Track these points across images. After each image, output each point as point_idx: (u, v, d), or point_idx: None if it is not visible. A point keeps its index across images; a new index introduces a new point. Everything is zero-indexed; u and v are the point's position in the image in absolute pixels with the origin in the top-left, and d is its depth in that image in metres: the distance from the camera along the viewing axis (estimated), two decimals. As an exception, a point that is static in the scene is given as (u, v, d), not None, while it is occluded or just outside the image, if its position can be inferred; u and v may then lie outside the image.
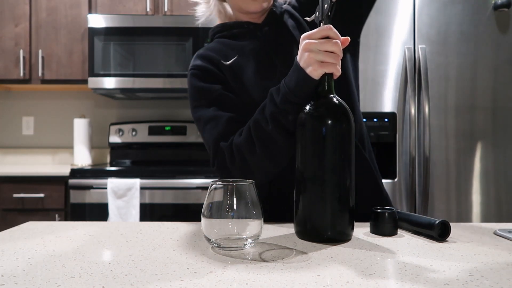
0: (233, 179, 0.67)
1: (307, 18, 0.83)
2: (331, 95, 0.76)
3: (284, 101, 0.80)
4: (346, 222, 0.72)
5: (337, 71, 0.76)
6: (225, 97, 0.96)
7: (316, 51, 0.75)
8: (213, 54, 1.00)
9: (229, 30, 1.03)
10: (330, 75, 0.76)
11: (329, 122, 0.72)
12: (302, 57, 0.77)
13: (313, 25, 0.81)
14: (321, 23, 0.76)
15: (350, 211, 0.73)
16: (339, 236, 0.72)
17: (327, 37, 0.75)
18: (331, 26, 0.75)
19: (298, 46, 0.94)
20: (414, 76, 2.09)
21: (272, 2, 1.01)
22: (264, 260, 0.61)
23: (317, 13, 0.77)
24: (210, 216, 0.65)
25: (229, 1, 1.00)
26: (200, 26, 2.47)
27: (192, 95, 0.99)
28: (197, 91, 0.98)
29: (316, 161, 0.72)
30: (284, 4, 1.04)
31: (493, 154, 2.11)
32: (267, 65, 0.97)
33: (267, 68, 0.97)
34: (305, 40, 0.77)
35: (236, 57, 0.98)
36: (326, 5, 0.75)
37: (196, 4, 1.09)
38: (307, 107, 0.74)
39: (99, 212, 2.25)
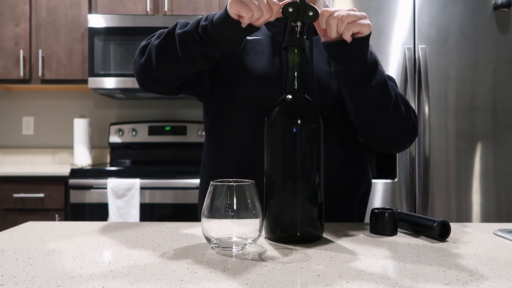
0: (234, 179, 0.67)
1: None
2: (301, 95, 0.75)
3: (203, 27, 0.82)
4: (316, 223, 0.72)
5: (249, 16, 0.75)
6: None
7: None
8: None
9: None
10: (300, 72, 0.75)
11: (299, 121, 0.72)
12: None
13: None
14: (294, 23, 0.75)
15: (319, 211, 0.72)
16: (310, 236, 0.72)
17: None
18: None
19: (312, 72, 0.96)
20: (414, 76, 2.09)
21: None
22: (264, 260, 0.61)
23: (290, 9, 0.75)
24: (210, 216, 0.65)
25: None
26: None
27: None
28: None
29: (286, 160, 0.72)
30: None
31: (493, 154, 2.11)
32: (275, 70, 0.98)
33: (274, 72, 0.97)
34: None
35: (260, 37, 1.00)
36: (311, 12, 0.75)
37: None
38: (277, 107, 0.74)
39: (99, 212, 2.25)
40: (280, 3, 0.76)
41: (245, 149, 0.96)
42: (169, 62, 0.89)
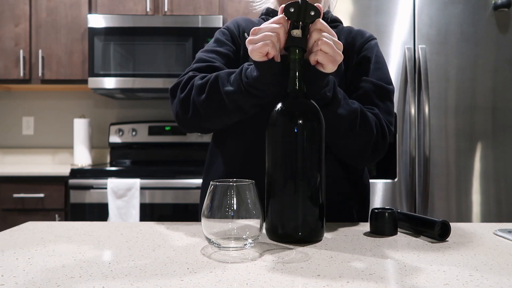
0: (233, 179, 0.67)
1: None
2: (302, 95, 0.75)
3: (248, 84, 0.81)
4: (317, 223, 0.72)
5: (271, 45, 0.75)
6: (228, 57, 1.01)
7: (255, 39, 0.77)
8: (245, 24, 1.06)
9: (271, 16, 1.06)
10: (301, 72, 0.75)
11: (300, 121, 0.72)
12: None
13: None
14: (295, 23, 0.75)
15: (320, 211, 0.72)
16: (310, 236, 0.72)
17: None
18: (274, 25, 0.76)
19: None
20: (414, 76, 2.09)
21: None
22: (264, 260, 0.61)
23: (292, 9, 0.75)
24: (210, 216, 0.65)
25: None
26: (200, 26, 2.48)
27: (211, 42, 1.06)
28: (214, 41, 1.05)
29: (287, 160, 0.72)
30: (338, 22, 1.08)
31: (493, 154, 2.11)
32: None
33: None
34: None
35: None
36: (313, 12, 0.75)
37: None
38: (278, 106, 0.74)
39: (99, 212, 2.25)
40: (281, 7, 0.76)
41: (247, 149, 0.96)
42: (220, 116, 0.90)
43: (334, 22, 1.07)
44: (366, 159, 0.96)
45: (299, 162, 0.71)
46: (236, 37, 1.04)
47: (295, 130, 0.72)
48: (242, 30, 1.04)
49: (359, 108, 0.90)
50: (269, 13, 1.09)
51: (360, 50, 1.03)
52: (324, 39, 0.75)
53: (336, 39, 0.77)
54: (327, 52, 0.75)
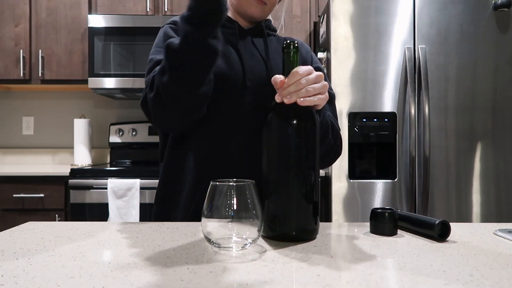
0: (233, 179, 0.67)
1: None
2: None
3: (189, 17, 0.77)
4: (311, 221, 0.73)
5: None
6: None
7: None
8: None
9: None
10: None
11: (295, 121, 0.73)
12: None
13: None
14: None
15: (314, 209, 0.73)
16: (305, 234, 0.73)
17: None
18: None
19: (267, 67, 1.01)
20: (414, 76, 2.09)
21: (266, 19, 1.08)
22: (264, 260, 0.61)
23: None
24: (210, 216, 0.65)
25: None
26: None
27: (159, 41, 0.98)
28: (167, 39, 0.94)
29: (282, 160, 0.72)
30: (275, 32, 1.11)
31: (493, 154, 2.11)
32: (235, 69, 0.99)
33: (234, 71, 0.98)
34: None
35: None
36: None
37: None
38: (274, 108, 0.75)
39: (99, 212, 2.25)
40: None
41: (244, 149, 0.96)
42: (193, 79, 0.82)
43: (273, 31, 1.11)
44: (328, 161, 1.06)
45: (294, 161, 0.72)
46: None
47: (289, 131, 0.72)
48: None
49: (329, 119, 0.96)
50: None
51: (311, 62, 1.09)
52: (299, 86, 0.73)
53: (312, 76, 0.75)
54: (305, 96, 0.74)
